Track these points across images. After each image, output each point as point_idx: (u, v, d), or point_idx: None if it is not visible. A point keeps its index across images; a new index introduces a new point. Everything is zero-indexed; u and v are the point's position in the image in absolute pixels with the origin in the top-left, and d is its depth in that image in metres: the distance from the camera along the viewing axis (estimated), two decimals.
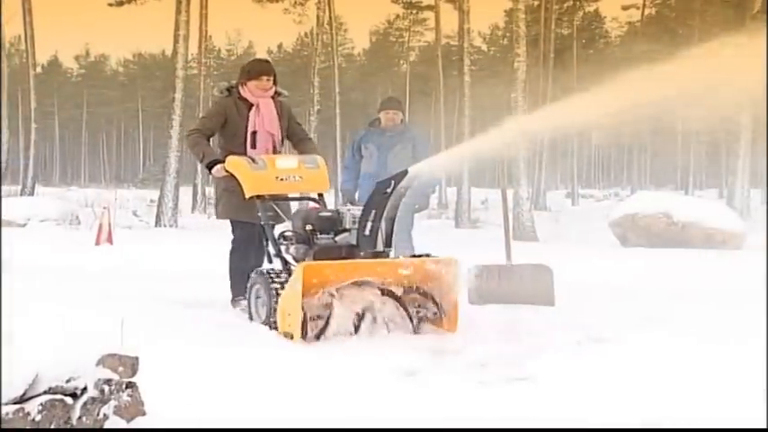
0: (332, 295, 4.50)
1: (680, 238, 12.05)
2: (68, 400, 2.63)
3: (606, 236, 13.23)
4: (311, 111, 23.62)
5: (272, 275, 4.85)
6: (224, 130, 5.75)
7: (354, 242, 4.81)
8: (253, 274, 5.05)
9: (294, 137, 6.05)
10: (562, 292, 6.05)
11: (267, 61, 6.17)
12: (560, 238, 14.84)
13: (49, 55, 73.75)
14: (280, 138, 5.80)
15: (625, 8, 44.02)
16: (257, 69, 5.84)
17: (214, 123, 5.76)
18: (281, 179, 5.34)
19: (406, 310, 4.64)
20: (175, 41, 17.26)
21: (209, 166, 5.55)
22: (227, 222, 5.85)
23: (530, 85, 21.03)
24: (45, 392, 2.57)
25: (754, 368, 3.78)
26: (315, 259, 4.77)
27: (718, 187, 40.56)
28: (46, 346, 2.67)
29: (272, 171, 5.34)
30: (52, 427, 2.55)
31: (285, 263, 5.08)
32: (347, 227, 4.97)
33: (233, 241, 5.83)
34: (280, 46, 70.12)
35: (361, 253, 4.70)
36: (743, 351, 4.17)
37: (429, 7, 37.27)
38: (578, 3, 39.87)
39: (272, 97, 5.82)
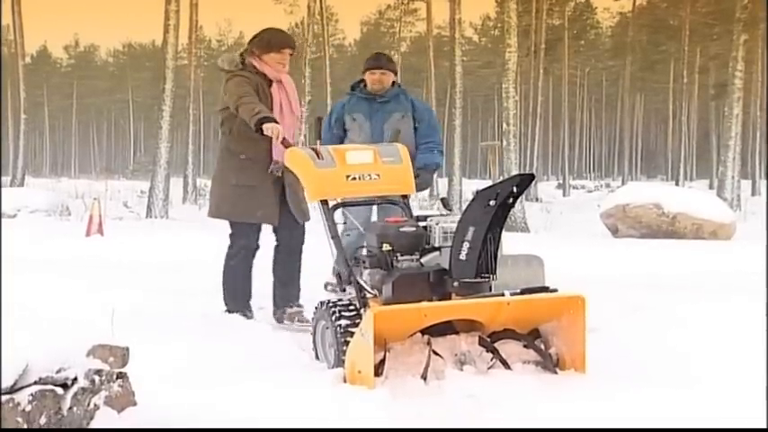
0: (425, 345, 3.60)
1: (670, 229, 12.10)
2: (59, 390, 2.62)
3: (597, 226, 13.26)
4: (302, 101, 23.60)
5: (340, 309, 3.86)
6: None
7: (446, 265, 3.82)
8: (317, 306, 4.06)
9: None
10: (553, 282, 6.05)
11: (286, 32, 5.17)
12: (551, 228, 14.87)
13: (38, 45, 73.51)
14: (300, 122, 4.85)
15: None
16: (279, 41, 4.91)
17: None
18: (353, 178, 4.21)
19: (505, 362, 3.69)
20: (165, 31, 17.14)
21: (262, 122, 4.45)
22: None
23: (521, 76, 21.06)
24: (35, 383, 2.56)
25: (753, 365, 3.75)
26: (394, 289, 3.81)
27: (708, 178, 40.70)
28: (36, 336, 2.66)
29: (341, 168, 4.20)
30: (42, 417, 2.54)
31: (360, 290, 3.97)
32: (436, 245, 4.02)
33: (231, 248, 4.97)
34: None
35: (455, 283, 3.74)
36: (740, 347, 4.12)
37: None
38: None
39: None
